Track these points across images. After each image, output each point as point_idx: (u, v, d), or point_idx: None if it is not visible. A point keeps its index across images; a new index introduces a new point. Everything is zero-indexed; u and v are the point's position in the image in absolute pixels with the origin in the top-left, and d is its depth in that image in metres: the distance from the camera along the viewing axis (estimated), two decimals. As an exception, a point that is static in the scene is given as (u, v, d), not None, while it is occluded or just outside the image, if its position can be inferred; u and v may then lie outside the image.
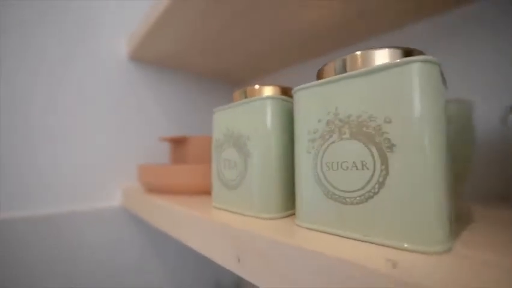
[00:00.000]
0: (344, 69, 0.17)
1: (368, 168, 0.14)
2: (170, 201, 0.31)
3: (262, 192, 0.20)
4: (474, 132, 0.21)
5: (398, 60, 0.14)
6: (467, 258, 0.12)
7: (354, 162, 0.15)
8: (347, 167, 0.15)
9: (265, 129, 0.20)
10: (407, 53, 0.15)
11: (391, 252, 0.13)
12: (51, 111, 0.43)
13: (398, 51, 0.15)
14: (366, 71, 0.15)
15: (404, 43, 0.37)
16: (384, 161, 0.13)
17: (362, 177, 0.14)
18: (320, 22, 0.38)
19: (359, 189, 0.14)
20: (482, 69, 0.31)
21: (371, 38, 0.41)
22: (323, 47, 0.45)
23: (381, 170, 0.14)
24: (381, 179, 0.13)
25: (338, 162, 0.15)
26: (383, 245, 0.14)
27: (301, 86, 0.18)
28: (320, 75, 0.18)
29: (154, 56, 0.51)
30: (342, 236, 0.15)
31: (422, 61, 0.13)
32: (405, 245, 0.13)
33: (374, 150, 0.14)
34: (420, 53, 0.15)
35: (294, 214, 0.21)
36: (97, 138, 0.47)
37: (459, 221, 0.18)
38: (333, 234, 0.16)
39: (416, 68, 0.13)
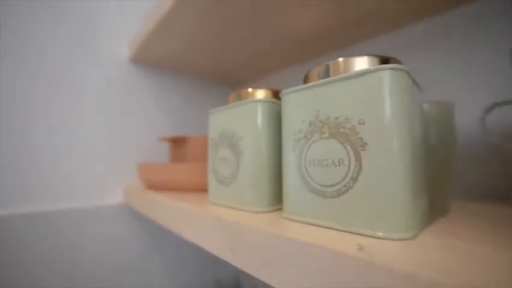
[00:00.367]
0: (327, 74, 0.19)
1: (344, 165, 0.16)
2: (169, 197, 0.33)
3: (253, 188, 0.23)
4: (455, 132, 0.24)
5: (371, 68, 0.16)
6: (428, 244, 0.14)
7: (332, 160, 0.17)
8: (327, 164, 0.17)
9: (256, 129, 0.23)
10: (384, 60, 0.18)
11: (364, 239, 0.15)
12: (52, 111, 0.45)
13: (376, 59, 0.18)
14: (343, 77, 0.17)
15: (404, 43, 0.39)
16: (358, 158, 0.16)
17: (339, 173, 0.17)
18: (320, 23, 0.39)
19: (336, 184, 0.17)
20: (482, 69, 0.32)
21: (371, 38, 0.42)
22: (322, 48, 0.47)
23: (355, 167, 0.16)
24: (355, 175, 0.16)
25: (318, 160, 0.18)
26: (357, 234, 0.16)
27: (288, 89, 0.20)
28: (305, 80, 0.20)
29: (154, 58, 0.53)
30: (324, 226, 0.18)
31: (392, 69, 0.16)
32: (378, 234, 0.15)
33: (349, 148, 0.16)
34: (397, 61, 0.18)
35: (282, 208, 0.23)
36: (98, 138, 0.49)
37: (436, 214, 0.20)
38: (315, 225, 0.18)
39: (386, 75, 0.16)
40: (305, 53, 0.50)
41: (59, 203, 0.45)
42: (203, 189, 0.36)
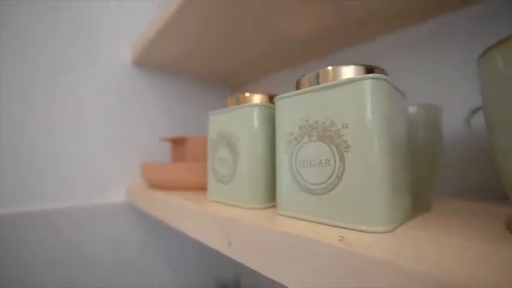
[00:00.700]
0: (317, 81, 0.21)
1: (330, 165, 0.19)
2: (170, 195, 0.36)
3: (249, 187, 0.25)
4: (442, 134, 0.26)
5: (354, 77, 0.18)
6: (406, 236, 0.17)
7: (320, 160, 0.19)
8: (315, 164, 0.20)
9: (252, 132, 0.25)
10: (368, 70, 0.20)
11: (349, 233, 0.18)
12: (52, 111, 0.47)
13: (362, 68, 0.20)
14: (330, 85, 0.19)
15: (406, 44, 0.41)
16: (342, 159, 0.18)
17: (326, 172, 0.19)
18: (320, 24, 0.40)
19: (323, 182, 0.19)
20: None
21: (371, 38, 0.44)
22: (322, 49, 0.49)
23: (340, 167, 0.18)
24: (339, 174, 0.18)
25: (308, 160, 0.20)
26: (344, 228, 0.19)
27: (281, 95, 0.22)
28: (297, 86, 0.23)
29: (157, 61, 0.55)
30: (314, 222, 0.20)
31: (373, 78, 0.18)
32: (361, 227, 0.18)
33: (335, 149, 0.19)
34: (380, 70, 0.20)
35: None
36: (98, 138, 0.51)
37: (420, 210, 0.23)
38: (306, 220, 0.21)
39: (367, 84, 0.18)
40: (305, 55, 0.51)
41: (59, 203, 0.46)
42: (203, 187, 0.39)
